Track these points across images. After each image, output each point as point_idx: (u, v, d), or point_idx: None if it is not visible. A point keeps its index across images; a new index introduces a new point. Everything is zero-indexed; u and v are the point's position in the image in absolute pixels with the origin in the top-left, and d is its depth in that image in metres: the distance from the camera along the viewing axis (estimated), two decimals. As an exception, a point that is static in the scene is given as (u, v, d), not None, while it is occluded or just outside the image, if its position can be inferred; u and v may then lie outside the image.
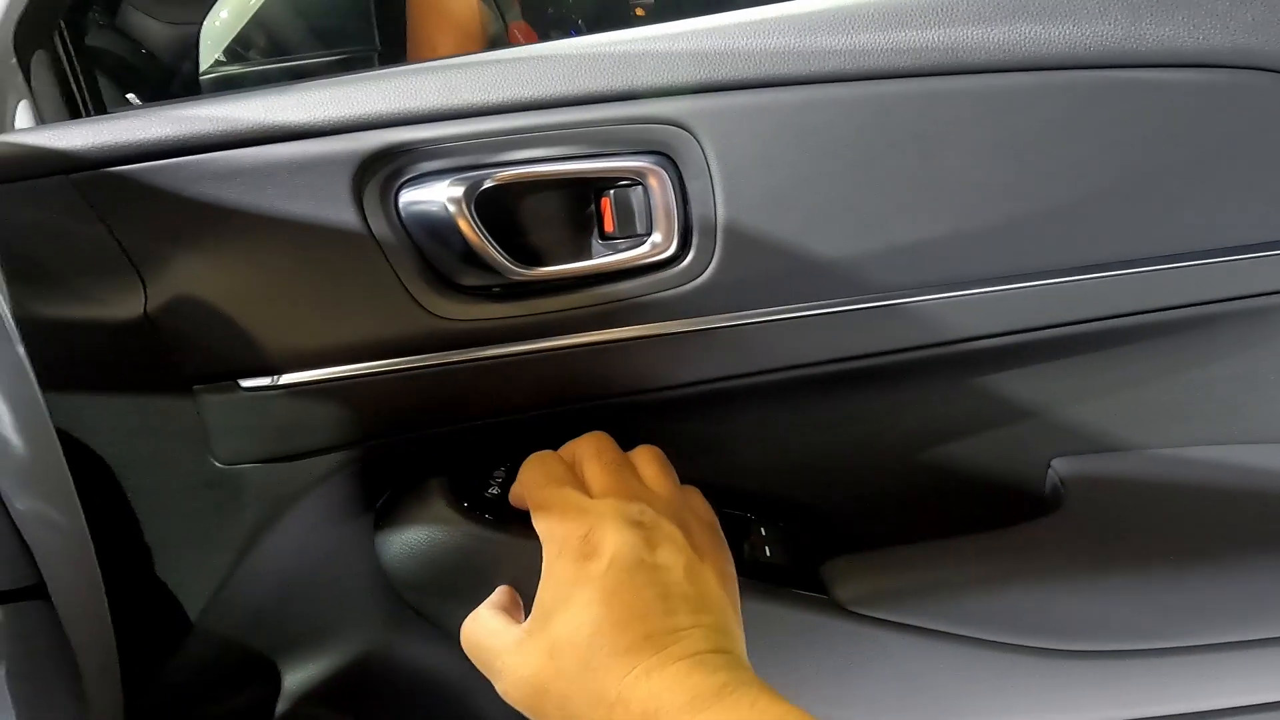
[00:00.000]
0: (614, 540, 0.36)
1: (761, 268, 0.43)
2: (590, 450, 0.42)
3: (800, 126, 0.41)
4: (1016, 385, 0.51)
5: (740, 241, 0.43)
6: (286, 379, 0.44)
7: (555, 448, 0.48)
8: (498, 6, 0.92)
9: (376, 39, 0.58)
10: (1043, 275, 0.45)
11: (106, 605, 0.48)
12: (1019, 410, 0.51)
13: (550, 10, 1.06)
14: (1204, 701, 0.46)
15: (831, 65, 0.41)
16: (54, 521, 0.46)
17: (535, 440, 0.50)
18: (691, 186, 0.42)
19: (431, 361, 0.44)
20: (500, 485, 0.48)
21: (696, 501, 0.43)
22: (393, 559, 0.45)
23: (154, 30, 1.05)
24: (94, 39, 1.07)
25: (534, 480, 0.42)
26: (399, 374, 0.44)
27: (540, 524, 0.39)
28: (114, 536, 0.48)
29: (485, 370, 0.45)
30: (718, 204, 0.42)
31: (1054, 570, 0.46)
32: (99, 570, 0.47)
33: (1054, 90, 0.41)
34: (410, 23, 0.77)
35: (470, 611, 0.45)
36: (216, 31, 0.53)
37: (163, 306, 0.43)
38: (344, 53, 0.58)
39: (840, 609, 0.44)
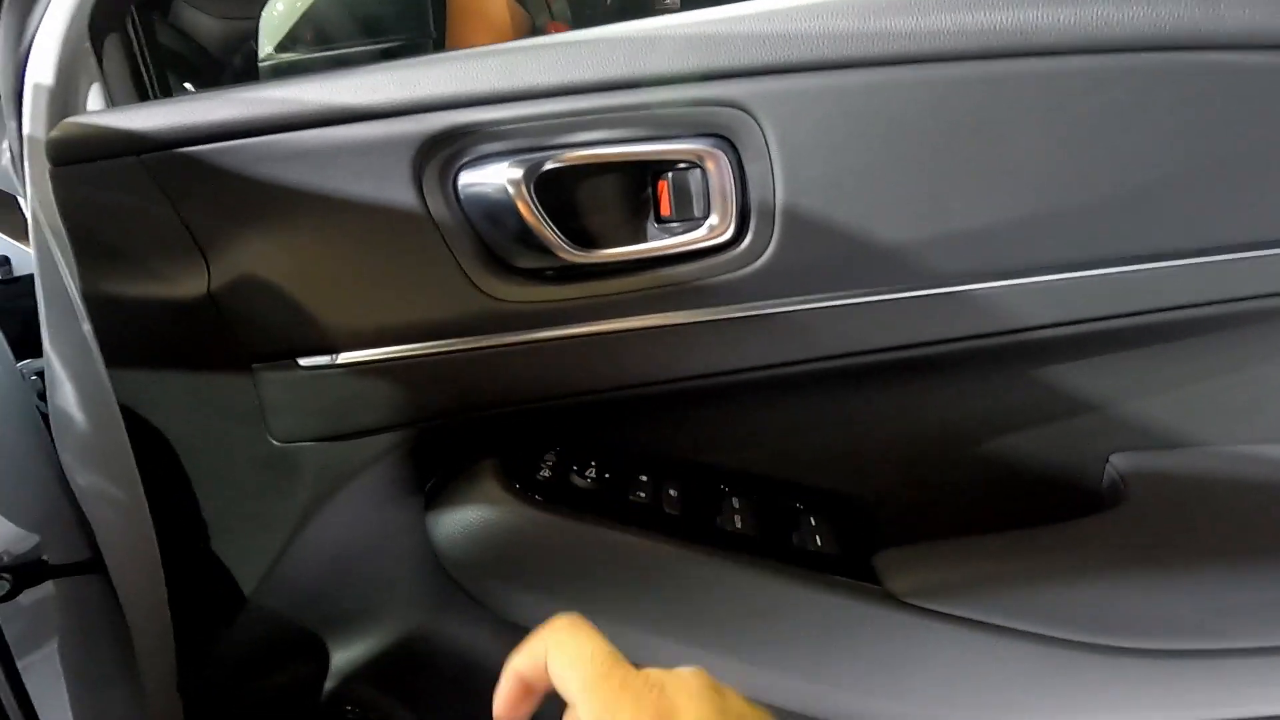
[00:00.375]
0: (695, 708, 0.25)
1: (820, 253, 0.43)
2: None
3: (862, 110, 0.41)
4: (1077, 377, 0.50)
5: (799, 226, 0.42)
6: (344, 358, 0.45)
7: (607, 433, 0.47)
8: (532, 9, 0.92)
9: (432, 26, 0.59)
10: (1107, 263, 0.44)
11: (163, 580, 0.49)
12: (1079, 403, 0.50)
13: (588, 12, 1.07)
14: (1267, 707, 0.44)
15: (896, 48, 0.40)
16: (114, 498, 0.47)
17: (587, 424, 0.50)
18: (750, 169, 0.42)
19: (486, 343, 0.44)
20: (551, 468, 0.48)
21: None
22: (444, 538, 0.45)
23: (205, 24, 1.07)
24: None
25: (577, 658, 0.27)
26: (454, 355, 0.44)
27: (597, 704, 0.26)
28: (172, 512, 0.49)
29: (539, 352, 0.45)
30: (777, 187, 0.42)
31: (1114, 566, 0.45)
32: (157, 546, 0.48)
33: (1125, 73, 0.40)
34: (449, 24, 0.78)
35: (519, 594, 0.46)
36: (275, 19, 0.54)
37: (226, 285, 0.44)
38: (400, 39, 0.59)
39: (894, 600, 0.44)
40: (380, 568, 0.53)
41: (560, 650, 0.28)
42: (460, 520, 0.45)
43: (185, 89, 0.72)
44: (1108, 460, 0.51)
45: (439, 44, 0.62)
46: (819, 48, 0.40)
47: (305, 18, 0.54)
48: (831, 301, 0.44)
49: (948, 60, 0.41)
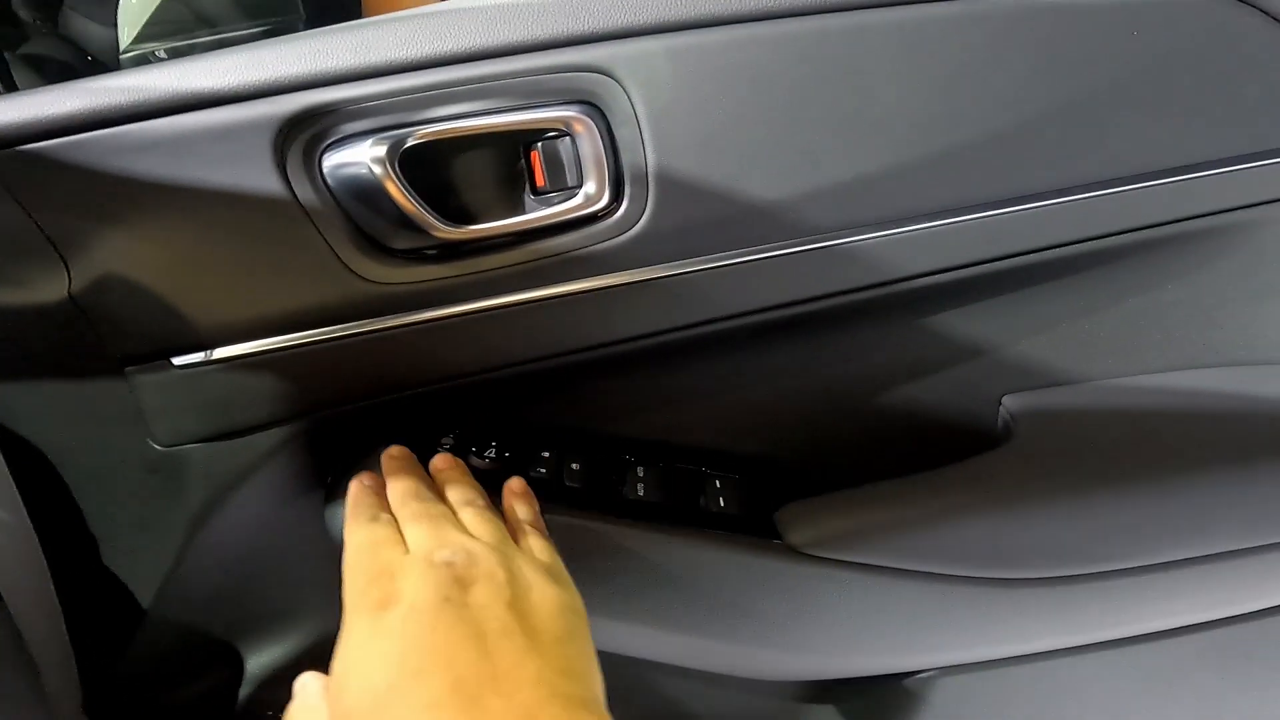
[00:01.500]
0: (415, 583, 0.31)
1: (696, 215, 0.43)
2: (403, 491, 0.38)
3: (727, 67, 0.41)
4: (964, 323, 0.51)
5: (673, 189, 0.42)
6: (220, 353, 0.43)
7: (504, 411, 0.47)
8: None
9: (301, 8, 0.57)
10: (981, 208, 0.45)
11: (56, 598, 0.47)
12: (968, 348, 0.52)
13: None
14: (1157, 621, 0.46)
15: (755, 4, 0.40)
16: (3, 521, 0.45)
17: (484, 404, 0.49)
18: (620, 134, 0.42)
19: (368, 328, 0.43)
20: (449, 451, 0.47)
21: (533, 542, 0.38)
22: (339, 540, 0.44)
23: (96, 34, 1.03)
24: (35, 45, 1.04)
25: (349, 514, 0.38)
26: (335, 342, 0.43)
27: (346, 566, 0.35)
28: (59, 529, 0.47)
29: (424, 334, 0.44)
30: (647, 151, 0.42)
31: (1004, 502, 0.46)
32: (45, 564, 0.46)
33: (979, 18, 0.41)
34: (365, 8, 0.76)
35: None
36: (134, 7, 0.51)
37: (88, 287, 0.42)
38: (268, 23, 0.56)
39: (794, 552, 0.44)
40: (290, 567, 0.52)
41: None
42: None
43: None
44: (1000, 402, 0.53)
45: (309, 26, 0.60)
46: (677, 7, 0.40)
47: (166, 4, 0.52)
48: (712, 264, 0.44)
49: (808, 14, 0.41)
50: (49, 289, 0.42)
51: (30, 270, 0.43)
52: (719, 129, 0.42)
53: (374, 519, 0.37)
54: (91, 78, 0.42)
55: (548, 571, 0.34)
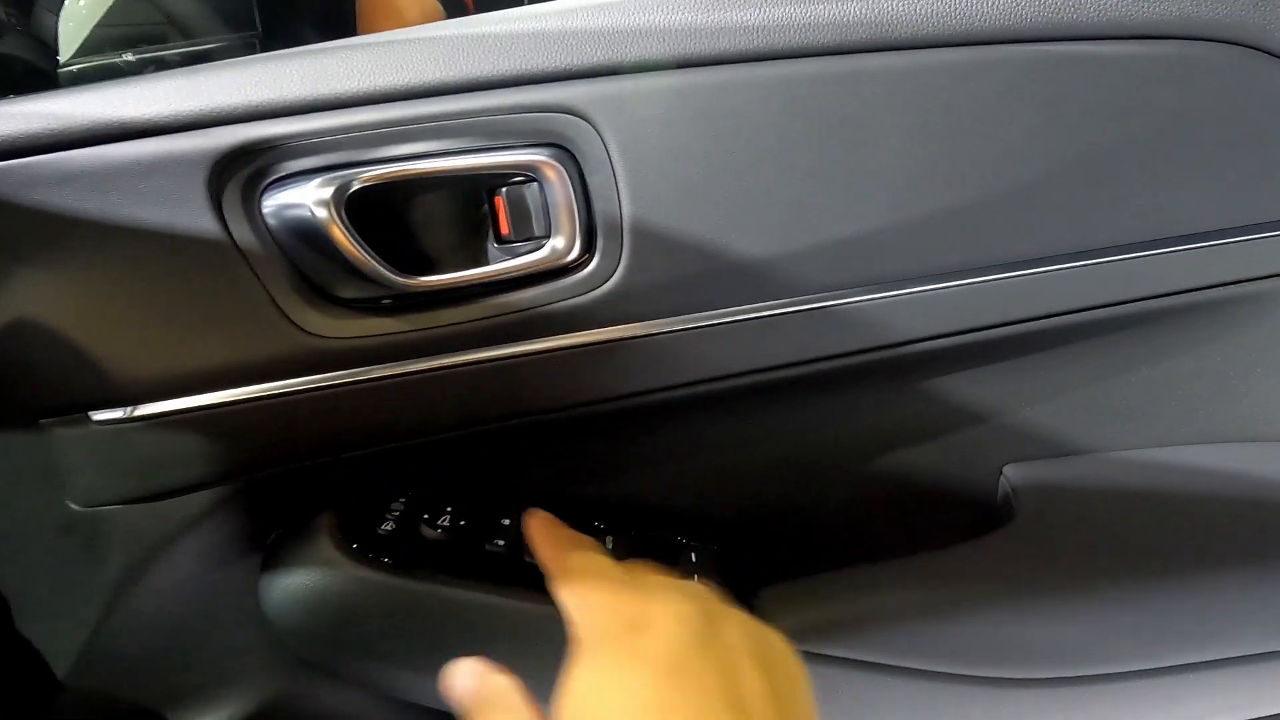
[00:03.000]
0: (670, 613, 0.29)
1: (674, 271, 0.39)
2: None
3: (711, 112, 0.37)
4: (962, 389, 0.47)
5: (649, 242, 0.38)
6: (144, 410, 0.39)
7: (460, 475, 0.43)
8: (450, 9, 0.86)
9: (258, 22, 0.53)
10: (984, 271, 0.41)
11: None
12: (966, 415, 0.48)
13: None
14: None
15: (744, 43, 0.37)
16: None
17: (438, 466, 0.45)
18: (593, 181, 0.38)
19: (309, 385, 0.39)
20: (397, 519, 0.43)
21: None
22: (275, 606, 0.40)
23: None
24: (4, 44, 0.99)
25: (552, 541, 0.36)
26: (273, 400, 0.39)
27: (571, 595, 0.32)
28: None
29: (372, 393, 0.40)
30: (622, 201, 0.38)
31: (1004, 591, 0.42)
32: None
33: (988, 67, 0.38)
34: (360, 24, 0.72)
35: (370, 663, 0.41)
36: (78, 17, 0.47)
37: None
38: (220, 40, 0.52)
39: (774, 643, 0.40)
40: (222, 635, 0.47)
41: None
42: (290, 586, 0.40)
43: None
44: (1001, 472, 0.49)
45: (270, 44, 0.56)
46: (659, 44, 0.37)
47: (111, 16, 0.48)
48: (691, 324, 0.40)
49: (800, 56, 0.37)
50: None
51: None
52: (702, 178, 0.38)
53: (579, 545, 0.36)
54: (3, 101, 0.38)
55: (778, 641, 0.32)
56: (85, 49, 0.51)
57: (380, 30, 0.77)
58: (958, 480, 0.49)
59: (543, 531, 0.38)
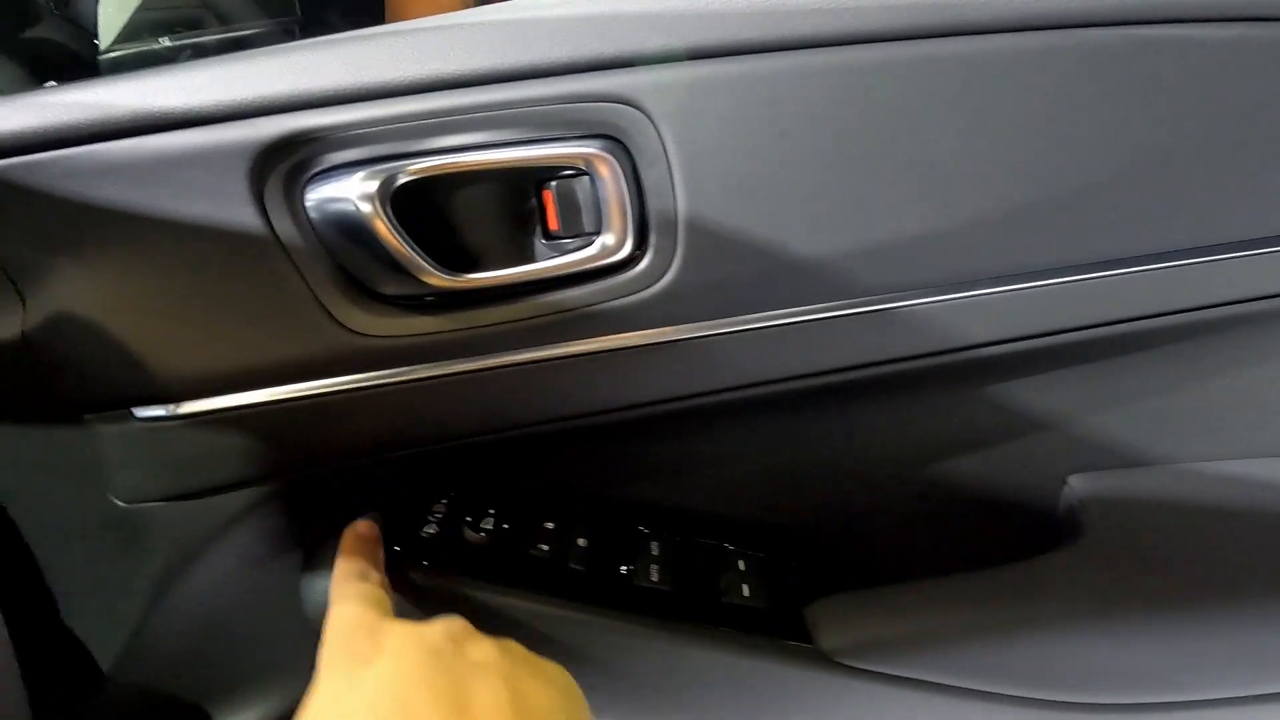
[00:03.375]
0: (401, 640, 0.29)
1: (729, 270, 0.37)
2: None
3: (773, 101, 0.35)
4: (1027, 395, 0.45)
5: (704, 240, 0.36)
6: (186, 408, 0.38)
7: (504, 476, 0.42)
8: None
9: (297, 7, 0.51)
10: (1055, 273, 0.39)
11: (13, 655, 0.43)
12: (1029, 423, 0.45)
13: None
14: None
15: (808, 28, 0.34)
16: None
17: (481, 467, 0.44)
18: (647, 175, 0.36)
19: (351, 384, 0.38)
20: (440, 521, 0.42)
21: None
22: (316, 609, 0.40)
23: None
24: (43, 29, 1.00)
25: (339, 567, 0.36)
26: (314, 399, 0.38)
27: (329, 622, 0.32)
28: (13, 582, 0.43)
29: (415, 393, 0.39)
30: (677, 196, 0.36)
31: (1066, 612, 0.40)
32: (1, 617, 0.42)
33: (1068, 53, 0.35)
34: (388, 9, 0.71)
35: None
36: (118, 2, 0.46)
37: (43, 325, 0.38)
38: (259, 26, 0.51)
39: (826, 659, 0.39)
40: (263, 631, 0.47)
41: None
42: (328, 591, 0.39)
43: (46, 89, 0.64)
44: (1065, 482, 0.47)
45: (305, 29, 0.55)
46: (718, 30, 0.34)
47: (150, 1, 0.47)
48: (746, 325, 0.38)
49: (870, 41, 0.35)
50: (1, 325, 0.38)
51: None
52: (761, 173, 0.36)
53: (364, 577, 0.35)
54: (47, 90, 0.37)
55: (548, 666, 0.32)
56: (124, 35, 0.50)
57: (408, 14, 0.76)
58: (1018, 490, 0.46)
59: (347, 548, 0.38)
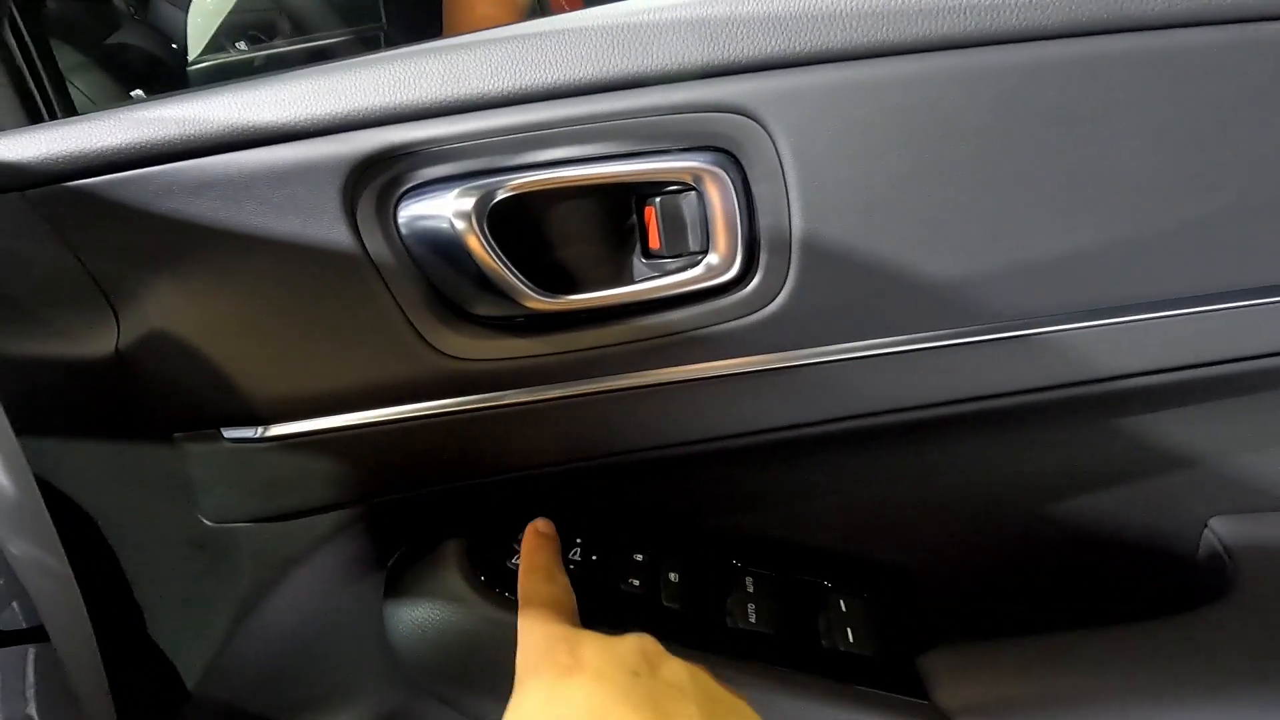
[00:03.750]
0: (600, 652, 0.29)
1: (848, 293, 0.34)
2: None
3: (904, 109, 0.32)
4: (1167, 430, 0.40)
5: (821, 260, 0.33)
6: (274, 430, 0.37)
7: (594, 504, 0.40)
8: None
9: (382, 14, 0.50)
10: (1217, 299, 0.35)
11: (102, 667, 0.43)
12: (1169, 460, 0.41)
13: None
14: None
15: (947, 26, 0.31)
16: (50, 568, 0.41)
17: (570, 494, 0.42)
18: (759, 191, 0.33)
19: (441, 409, 0.37)
20: (528, 551, 0.40)
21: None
22: (400, 639, 0.38)
23: (184, 23, 1.00)
24: (123, 35, 1.02)
25: (524, 569, 0.35)
26: (403, 424, 0.37)
27: (522, 629, 0.32)
28: (106, 598, 0.43)
29: (507, 419, 0.37)
30: (793, 213, 0.33)
31: (1219, 674, 0.36)
32: (91, 629, 0.42)
33: (1256, 48, 0.31)
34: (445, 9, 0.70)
35: (494, 704, 0.38)
36: (205, 12, 0.46)
37: (136, 343, 0.37)
38: (346, 33, 0.51)
39: (943, 719, 0.36)
40: (343, 652, 0.46)
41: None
42: (417, 618, 0.38)
43: (131, 98, 0.65)
44: (1206, 525, 0.42)
45: (390, 38, 0.54)
46: (843, 31, 0.31)
47: (236, 13, 0.46)
48: (863, 352, 0.35)
49: (1015, 42, 0.31)
50: (96, 343, 0.38)
51: (78, 320, 0.38)
52: (888, 188, 0.32)
53: (551, 579, 0.35)
54: (141, 104, 0.36)
55: (737, 702, 0.31)
56: (213, 45, 0.50)
57: (464, 17, 0.74)
58: (1154, 534, 0.42)
59: (530, 551, 0.37)
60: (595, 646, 0.30)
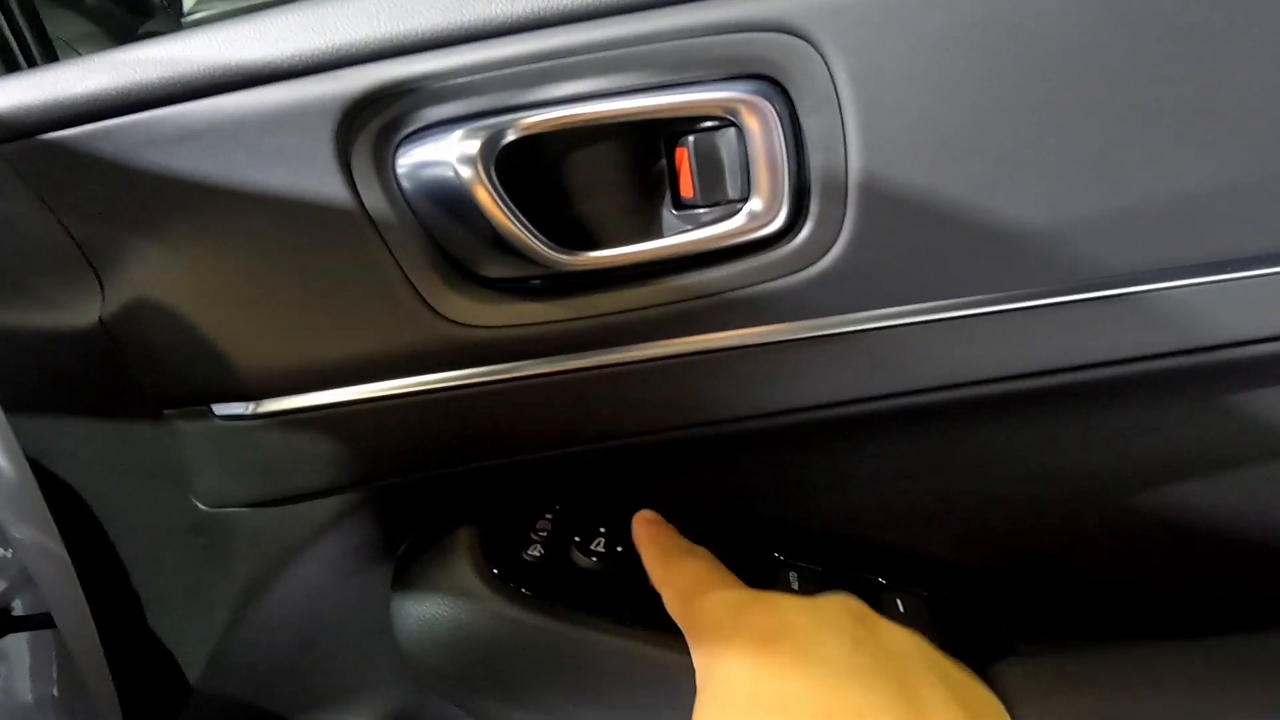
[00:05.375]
0: (800, 612, 0.25)
1: (915, 245, 0.29)
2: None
3: (986, 25, 0.27)
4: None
5: (883, 206, 0.29)
6: (268, 406, 0.34)
7: (618, 489, 0.36)
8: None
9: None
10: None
11: (102, 652, 0.40)
12: (1291, 441, 0.35)
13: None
14: None
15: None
16: (51, 552, 0.39)
17: (595, 476, 0.38)
18: (810, 125, 0.29)
19: (449, 382, 0.33)
20: (545, 541, 0.36)
21: None
22: (407, 637, 0.35)
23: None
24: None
25: (653, 553, 0.31)
26: (408, 399, 0.33)
27: (687, 610, 0.28)
28: (104, 586, 0.40)
29: (522, 392, 0.33)
30: (850, 151, 0.28)
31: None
32: (90, 617, 0.39)
33: None
34: None
35: (509, 708, 0.35)
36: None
37: (120, 311, 0.34)
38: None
39: (1025, 739, 0.31)
40: (351, 643, 0.43)
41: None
42: (423, 616, 0.34)
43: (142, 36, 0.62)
44: (1332, 518, 0.36)
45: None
46: (916, -71, 0.26)
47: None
48: (932, 315, 0.30)
49: None
50: (80, 311, 0.35)
51: (61, 287, 0.35)
52: (966, 119, 0.27)
53: (691, 552, 0.31)
54: (119, 48, 0.33)
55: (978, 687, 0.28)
56: (211, -6, 0.46)
57: None
58: (1272, 528, 0.36)
59: (650, 538, 0.32)
60: (797, 606, 0.26)
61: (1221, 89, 0.26)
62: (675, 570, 0.30)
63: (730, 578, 0.29)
